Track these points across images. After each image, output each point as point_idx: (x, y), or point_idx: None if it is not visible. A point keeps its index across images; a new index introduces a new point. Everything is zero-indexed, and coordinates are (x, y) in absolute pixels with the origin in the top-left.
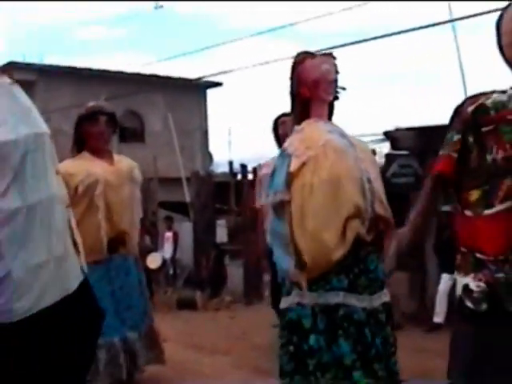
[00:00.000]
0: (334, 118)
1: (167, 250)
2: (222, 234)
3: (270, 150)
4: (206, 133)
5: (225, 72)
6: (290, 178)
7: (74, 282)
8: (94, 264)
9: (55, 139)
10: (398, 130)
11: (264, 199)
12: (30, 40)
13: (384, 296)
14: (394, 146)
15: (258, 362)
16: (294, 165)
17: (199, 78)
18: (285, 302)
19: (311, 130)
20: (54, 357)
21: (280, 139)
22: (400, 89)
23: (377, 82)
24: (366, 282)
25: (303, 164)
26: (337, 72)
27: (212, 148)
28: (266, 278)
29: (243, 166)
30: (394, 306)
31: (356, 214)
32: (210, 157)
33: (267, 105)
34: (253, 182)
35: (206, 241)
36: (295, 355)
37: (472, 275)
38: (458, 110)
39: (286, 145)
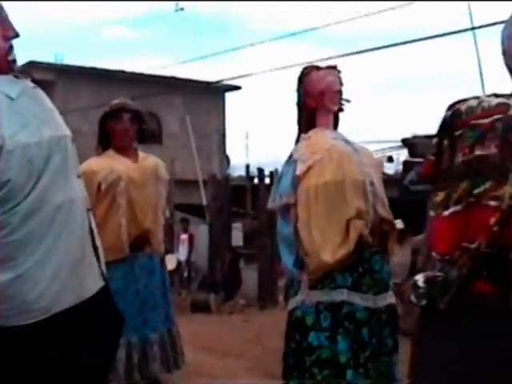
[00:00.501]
0: (352, 126)
1: (182, 252)
2: (237, 238)
3: (288, 154)
4: (223, 136)
5: (244, 76)
6: (297, 182)
7: (91, 286)
8: (119, 262)
9: (74, 140)
10: (415, 137)
11: (271, 203)
12: (49, 40)
13: (389, 297)
14: (411, 153)
15: (271, 365)
16: (301, 169)
17: (218, 81)
18: (292, 303)
19: (317, 137)
20: (71, 360)
21: None
22: (418, 95)
23: (395, 89)
24: (371, 281)
25: (309, 168)
26: (341, 84)
27: (229, 151)
28: (281, 282)
29: (260, 170)
30: (411, 312)
31: (359, 216)
32: (227, 160)
33: (285, 109)
34: (269, 186)
35: (221, 244)
36: (295, 352)
37: (425, 273)
38: (442, 115)
39: (292, 151)
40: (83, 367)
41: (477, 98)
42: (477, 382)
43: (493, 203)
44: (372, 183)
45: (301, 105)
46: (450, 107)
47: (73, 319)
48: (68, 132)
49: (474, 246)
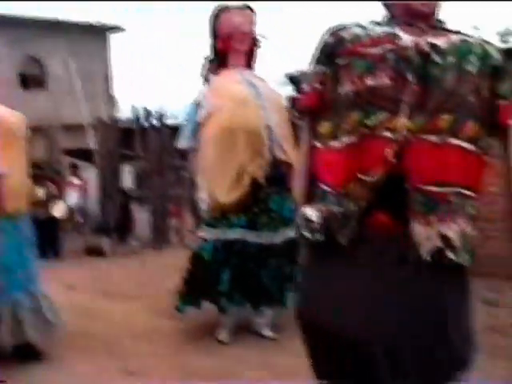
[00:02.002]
0: None
1: (73, 198)
2: (127, 180)
3: (174, 95)
4: (109, 78)
5: (126, 16)
6: (198, 128)
7: None
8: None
9: None
10: (300, 72)
11: (179, 144)
12: None
13: (290, 232)
14: (297, 89)
15: (168, 305)
16: (202, 115)
17: (100, 22)
18: (195, 236)
19: (222, 81)
20: None
21: None
22: (305, 29)
23: (282, 24)
24: (267, 220)
25: (209, 114)
26: (253, 23)
27: (117, 94)
28: (173, 222)
29: (147, 111)
30: None
31: (252, 160)
32: (114, 103)
33: (171, 51)
34: (157, 128)
35: (111, 187)
36: (189, 281)
37: (314, 205)
38: (320, 42)
39: (198, 95)
40: None
41: (360, 25)
42: (378, 309)
43: (388, 135)
44: (269, 127)
45: (212, 46)
46: (331, 33)
47: None
48: None
49: (370, 177)
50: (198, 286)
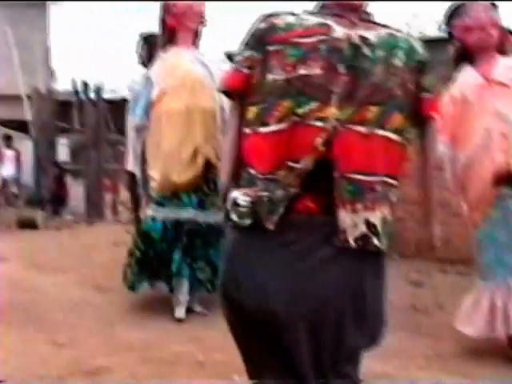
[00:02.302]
0: None
1: (7, 170)
2: (63, 153)
3: (113, 70)
4: (48, 49)
5: None
6: (151, 106)
7: None
8: None
9: None
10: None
11: (129, 122)
12: None
13: None
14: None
15: (100, 279)
16: (156, 93)
17: None
18: (142, 214)
19: (174, 58)
20: None
21: None
22: (250, 8)
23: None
24: (215, 199)
25: (163, 93)
26: (203, 3)
27: (55, 66)
28: (107, 197)
29: (86, 85)
30: None
31: (206, 141)
32: (52, 74)
33: (112, 25)
34: (95, 101)
35: (47, 160)
36: (141, 260)
37: (243, 190)
38: (252, 27)
39: (150, 72)
40: None
41: (293, 14)
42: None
43: (318, 124)
44: (223, 108)
45: (163, 23)
46: (263, 20)
47: None
48: None
49: (299, 165)
50: (150, 265)
